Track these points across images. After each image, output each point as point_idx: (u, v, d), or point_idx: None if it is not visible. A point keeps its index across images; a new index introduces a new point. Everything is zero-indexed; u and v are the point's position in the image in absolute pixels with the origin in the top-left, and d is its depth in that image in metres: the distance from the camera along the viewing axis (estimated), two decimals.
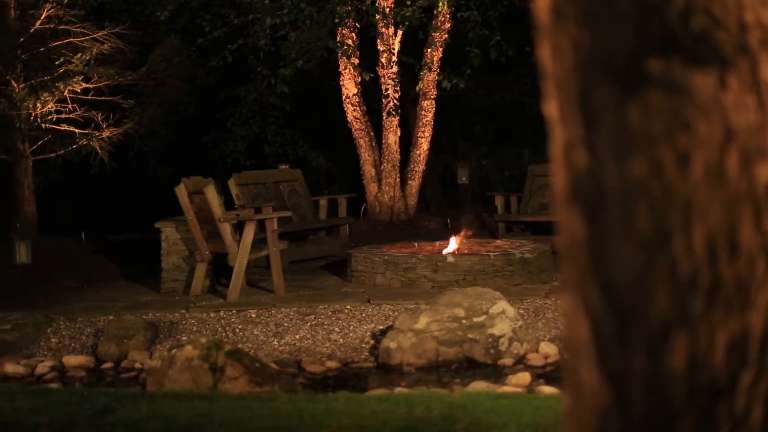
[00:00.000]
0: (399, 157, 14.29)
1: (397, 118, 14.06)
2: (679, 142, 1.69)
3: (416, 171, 14.40)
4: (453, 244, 10.24)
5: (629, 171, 1.71)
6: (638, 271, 1.71)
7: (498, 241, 10.99)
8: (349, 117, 14.32)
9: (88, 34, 11.89)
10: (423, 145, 14.34)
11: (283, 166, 13.81)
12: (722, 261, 1.67)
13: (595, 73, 1.76)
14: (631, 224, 1.72)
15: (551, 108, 1.86)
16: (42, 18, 11.67)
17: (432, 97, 14.17)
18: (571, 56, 1.78)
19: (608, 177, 1.73)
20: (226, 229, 9.25)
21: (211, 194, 9.20)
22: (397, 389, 6.25)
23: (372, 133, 14.43)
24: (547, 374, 6.98)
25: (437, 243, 10.79)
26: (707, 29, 1.68)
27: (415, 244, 10.96)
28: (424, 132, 14.31)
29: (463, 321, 7.46)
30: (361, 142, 14.34)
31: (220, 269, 10.23)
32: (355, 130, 14.34)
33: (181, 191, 9.51)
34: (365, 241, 12.30)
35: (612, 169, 1.73)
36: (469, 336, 7.38)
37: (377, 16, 13.16)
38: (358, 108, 14.26)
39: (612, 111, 1.73)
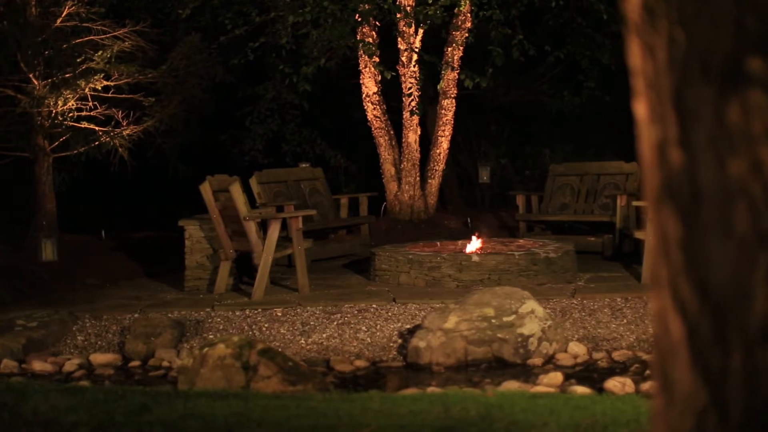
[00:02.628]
0: (419, 156, 14.28)
1: (418, 116, 14.04)
2: None
3: (436, 170, 14.38)
4: (476, 243, 10.22)
5: (727, 170, 1.69)
6: (736, 271, 1.69)
7: (521, 241, 10.96)
8: (369, 116, 14.31)
9: (109, 32, 11.90)
10: (443, 144, 14.33)
11: (304, 165, 13.81)
12: None
13: (691, 71, 1.73)
14: (729, 224, 1.70)
15: (641, 107, 1.84)
16: (63, 15, 11.68)
17: (452, 96, 14.14)
18: (664, 55, 1.76)
19: (705, 176, 1.71)
20: (251, 227, 9.24)
21: (237, 192, 9.20)
22: (430, 389, 6.23)
23: (392, 132, 14.42)
24: (578, 374, 6.96)
25: (459, 242, 10.78)
26: None
27: (438, 243, 10.95)
28: (444, 131, 14.29)
29: (493, 320, 7.44)
30: (381, 140, 14.33)
31: (242, 267, 10.23)
32: (375, 128, 14.33)
33: (206, 189, 9.51)
34: (385, 240, 12.30)
35: (709, 168, 1.71)
36: (499, 336, 7.36)
37: (398, 15, 13.14)
38: (378, 107, 14.25)
39: (709, 110, 1.71)
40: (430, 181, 14.39)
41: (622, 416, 4.76)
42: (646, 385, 6.27)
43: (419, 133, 14.30)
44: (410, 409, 5.03)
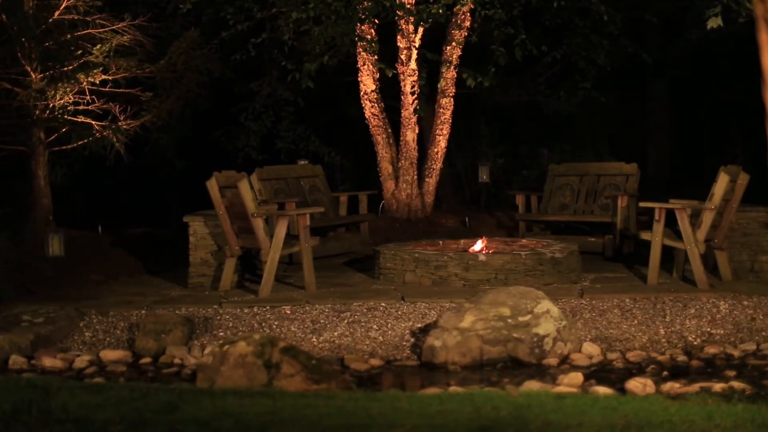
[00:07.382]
0: (417, 154, 14.23)
1: (416, 115, 14.00)
2: None
3: (434, 169, 14.34)
4: (480, 242, 10.19)
5: None
6: None
7: (524, 240, 10.96)
8: (367, 113, 14.26)
9: (107, 26, 11.81)
10: (441, 143, 14.28)
11: (303, 162, 13.74)
12: None
13: None
14: None
15: None
16: (61, 8, 11.58)
17: (450, 95, 14.11)
18: None
19: None
20: (259, 224, 9.18)
21: (245, 189, 9.14)
22: (452, 388, 6.22)
23: (390, 130, 14.37)
24: (595, 374, 6.95)
25: (462, 241, 10.76)
26: None
27: (440, 242, 10.92)
28: (442, 130, 14.25)
29: (509, 320, 7.42)
30: (379, 139, 14.28)
31: (244, 265, 10.17)
32: (373, 126, 14.28)
33: (213, 185, 9.44)
34: (384, 238, 12.27)
35: None
36: (514, 335, 7.35)
37: (400, 13, 13.08)
38: (376, 104, 14.20)
39: None
40: (427, 179, 14.35)
41: (653, 417, 4.75)
42: (666, 386, 6.27)
43: (417, 131, 14.26)
44: (439, 408, 5.01)
